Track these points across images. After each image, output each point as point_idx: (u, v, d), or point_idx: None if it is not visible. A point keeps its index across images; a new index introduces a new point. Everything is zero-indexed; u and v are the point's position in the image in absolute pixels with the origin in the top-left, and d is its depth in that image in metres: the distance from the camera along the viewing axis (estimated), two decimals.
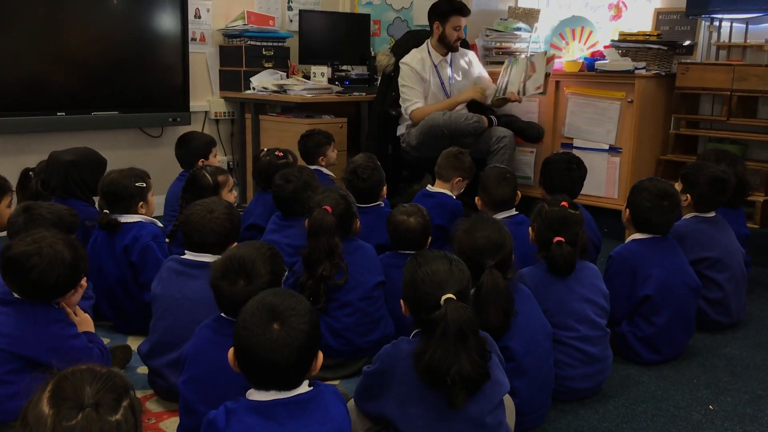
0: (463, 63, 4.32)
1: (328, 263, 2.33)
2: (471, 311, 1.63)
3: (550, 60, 4.01)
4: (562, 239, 2.22)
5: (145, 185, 2.72)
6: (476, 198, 2.95)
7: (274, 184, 2.83)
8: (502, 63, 4.39)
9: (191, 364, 1.84)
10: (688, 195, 2.91)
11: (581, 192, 3.17)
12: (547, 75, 3.99)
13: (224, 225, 2.22)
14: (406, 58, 4.24)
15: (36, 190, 3.00)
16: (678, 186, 2.93)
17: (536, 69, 4.02)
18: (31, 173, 3.10)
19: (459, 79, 4.31)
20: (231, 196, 3.04)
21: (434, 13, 4.19)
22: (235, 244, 2.26)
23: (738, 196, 3.13)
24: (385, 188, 3.08)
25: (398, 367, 1.70)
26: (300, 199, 2.72)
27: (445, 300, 1.62)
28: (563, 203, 2.31)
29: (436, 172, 3.33)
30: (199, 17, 4.76)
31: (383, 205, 3.03)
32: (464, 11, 4.15)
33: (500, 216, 2.83)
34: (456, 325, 1.58)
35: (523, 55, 4.43)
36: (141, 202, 2.71)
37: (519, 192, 2.94)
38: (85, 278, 2.03)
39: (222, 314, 1.86)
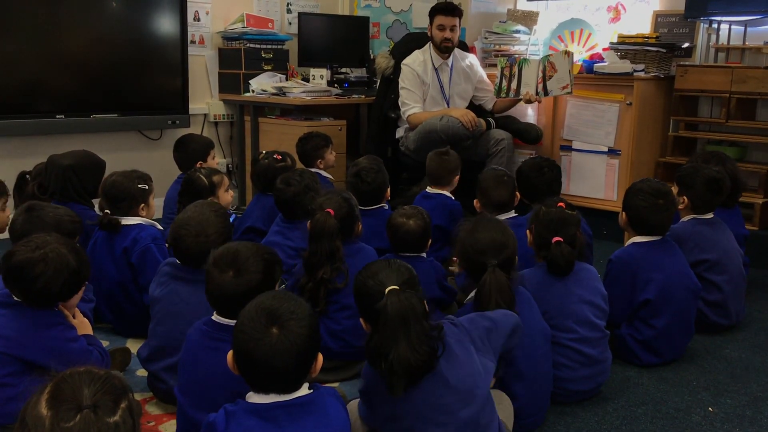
0: (464, 66, 4.32)
1: (329, 266, 2.32)
2: (416, 298, 1.63)
3: (568, 55, 3.97)
4: (561, 239, 2.23)
5: (147, 188, 2.72)
6: (475, 201, 2.95)
7: (276, 187, 2.82)
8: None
9: (184, 370, 1.84)
10: (685, 197, 2.92)
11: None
12: (571, 73, 3.96)
13: (216, 245, 2.09)
14: (407, 60, 4.23)
15: (33, 194, 2.98)
16: (674, 189, 2.93)
17: (557, 69, 3.98)
18: (27, 176, 3.09)
19: (460, 82, 4.31)
20: (228, 195, 3.04)
21: (428, 17, 4.22)
22: None
23: (733, 195, 3.13)
24: (388, 190, 3.08)
25: (381, 386, 1.66)
26: (301, 203, 2.71)
27: (388, 291, 1.62)
28: (560, 204, 2.32)
29: (429, 176, 3.33)
30: (198, 20, 4.76)
31: (386, 207, 3.03)
32: (447, 11, 4.12)
33: (499, 218, 2.83)
34: (395, 310, 1.58)
35: (533, 56, 4.41)
36: (142, 204, 2.70)
37: (518, 194, 2.95)
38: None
39: (213, 318, 1.85)
